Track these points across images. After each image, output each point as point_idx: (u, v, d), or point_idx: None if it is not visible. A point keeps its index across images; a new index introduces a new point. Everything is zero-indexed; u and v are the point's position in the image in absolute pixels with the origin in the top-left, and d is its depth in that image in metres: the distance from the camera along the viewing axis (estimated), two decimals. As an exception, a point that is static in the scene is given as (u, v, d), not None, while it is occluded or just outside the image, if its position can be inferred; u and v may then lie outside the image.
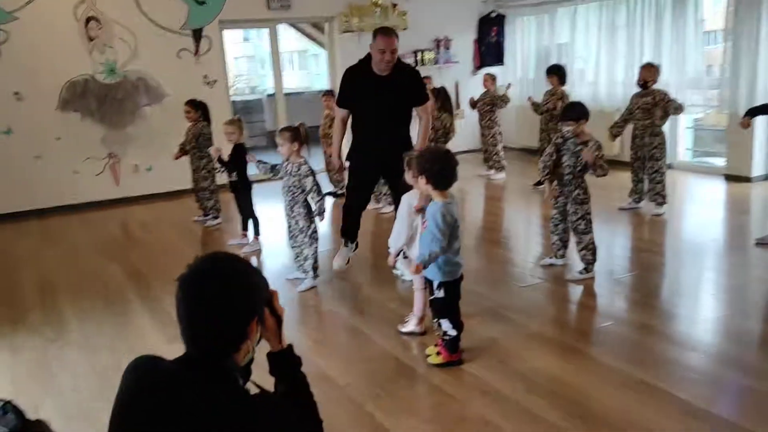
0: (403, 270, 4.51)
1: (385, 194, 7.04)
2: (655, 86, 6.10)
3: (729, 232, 5.91)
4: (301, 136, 4.64)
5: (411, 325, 3.92)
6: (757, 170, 7.25)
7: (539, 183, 7.49)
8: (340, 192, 7.94)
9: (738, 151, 7.31)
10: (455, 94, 9.76)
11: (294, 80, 22.42)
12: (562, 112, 4.65)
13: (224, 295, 1.52)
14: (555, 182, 4.68)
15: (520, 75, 9.98)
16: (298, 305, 4.59)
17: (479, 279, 4.76)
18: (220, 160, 5.82)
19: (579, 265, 4.70)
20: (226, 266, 1.59)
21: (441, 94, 7.30)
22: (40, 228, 7.39)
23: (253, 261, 5.75)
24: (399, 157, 3.89)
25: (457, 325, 3.47)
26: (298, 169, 4.62)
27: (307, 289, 4.80)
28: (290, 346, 1.78)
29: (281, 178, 4.80)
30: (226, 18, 8.72)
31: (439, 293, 3.41)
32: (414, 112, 4.72)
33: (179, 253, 6.15)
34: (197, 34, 8.63)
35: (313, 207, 4.67)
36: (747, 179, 7.22)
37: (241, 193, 5.98)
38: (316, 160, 8.14)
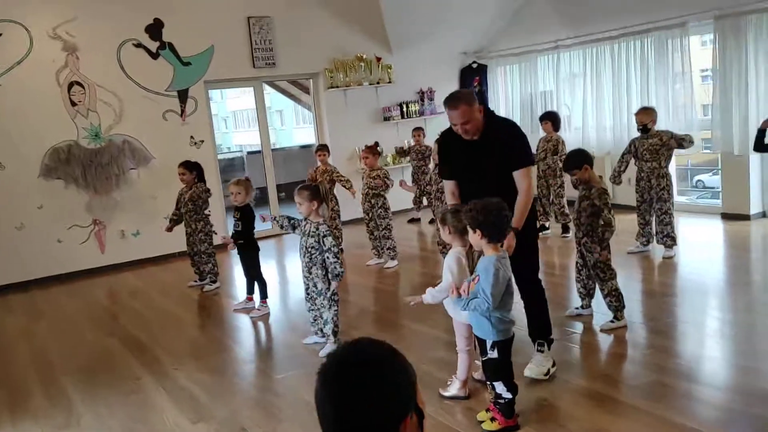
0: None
1: (388, 249, 6.88)
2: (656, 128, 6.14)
3: (746, 271, 5.87)
4: (321, 195, 4.49)
5: (454, 389, 3.71)
6: (754, 208, 7.31)
7: (543, 228, 7.42)
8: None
9: (734, 189, 7.38)
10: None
11: (255, 137, 22.42)
12: (564, 163, 4.59)
13: (378, 390, 1.32)
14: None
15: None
16: (323, 372, 4.34)
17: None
18: (235, 234, 5.64)
19: (608, 314, 4.58)
20: (375, 356, 1.39)
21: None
22: (25, 301, 7.01)
23: (260, 326, 5.49)
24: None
25: (512, 387, 3.28)
26: (317, 229, 4.45)
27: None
28: None
29: (297, 233, 4.62)
30: (211, 78, 8.63)
31: (493, 353, 3.23)
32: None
33: (180, 322, 5.88)
34: (183, 95, 8.50)
35: (329, 268, 4.47)
36: (746, 217, 7.26)
37: (247, 254, 5.75)
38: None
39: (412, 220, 9.22)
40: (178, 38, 8.34)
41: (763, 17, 6.67)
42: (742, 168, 7.21)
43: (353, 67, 9.40)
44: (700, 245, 6.66)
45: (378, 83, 9.61)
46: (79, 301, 6.83)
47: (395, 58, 9.74)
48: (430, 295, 3.64)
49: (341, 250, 7.49)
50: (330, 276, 4.49)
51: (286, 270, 7.62)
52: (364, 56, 9.45)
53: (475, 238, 3.19)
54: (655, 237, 6.29)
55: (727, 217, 7.43)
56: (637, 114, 6.18)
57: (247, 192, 5.73)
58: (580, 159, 4.50)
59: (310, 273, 4.54)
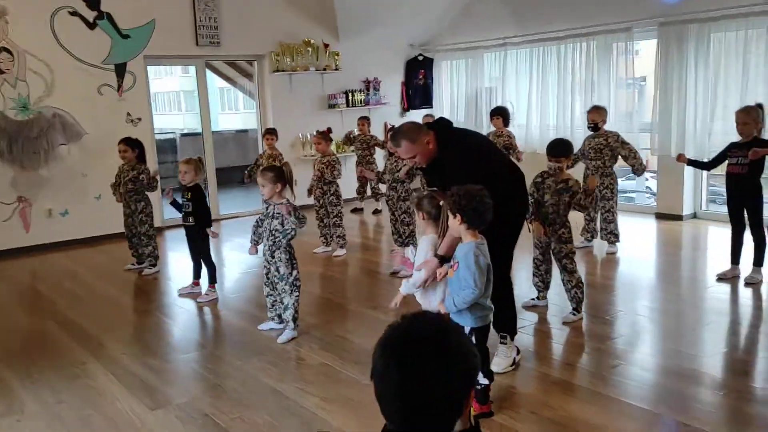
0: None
1: (337, 236, 6.78)
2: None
3: (684, 267, 6.16)
4: (285, 177, 4.35)
5: None
6: (687, 209, 7.67)
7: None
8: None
9: (669, 191, 7.72)
10: (385, 136, 9.72)
11: (178, 120, 21.65)
12: (550, 148, 4.62)
13: (447, 364, 1.28)
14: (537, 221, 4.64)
15: (448, 117, 10.10)
16: (284, 359, 4.22)
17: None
18: (174, 202, 5.38)
19: (567, 306, 4.67)
20: (441, 328, 1.34)
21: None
22: (-59, 282, 6.48)
23: (210, 312, 5.29)
24: None
25: (488, 373, 3.28)
26: (279, 210, 4.31)
27: (288, 340, 4.44)
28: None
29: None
30: (151, 53, 8.24)
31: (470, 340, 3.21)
32: None
33: (122, 306, 5.60)
34: (120, 70, 8.08)
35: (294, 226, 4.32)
36: (678, 217, 7.61)
37: (197, 237, 5.52)
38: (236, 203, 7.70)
39: (354, 210, 9.14)
40: (117, 9, 7.92)
41: (705, 26, 6.99)
42: (677, 171, 7.53)
43: (300, 51, 9.21)
44: (638, 243, 6.92)
45: (324, 70, 9.46)
46: (4, 284, 6.37)
47: (342, 45, 9.62)
48: (406, 288, 3.57)
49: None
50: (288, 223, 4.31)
51: (226, 254, 7.37)
52: (312, 41, 9.28)
53: (454, 223, 3.16)
54: (599, 233, 6.48)
55: (661, 216, 7.77)
56: (589, 112, 6.34)
57: (196, 171, 5.49)
58: (569, 148, 4.55)
59: (273, 257, 4.40)
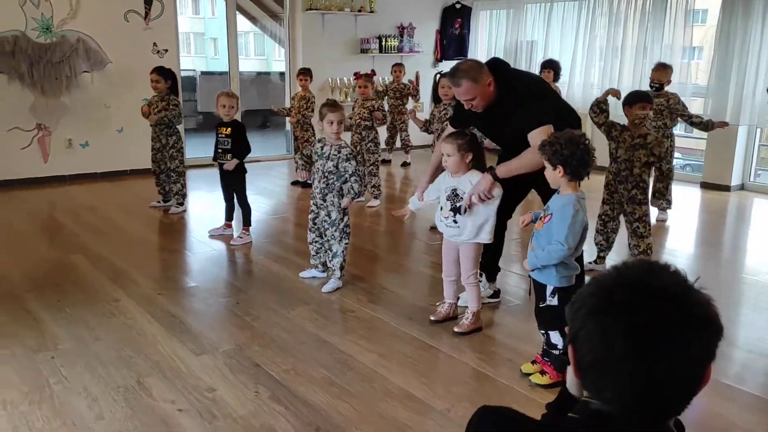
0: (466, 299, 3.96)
1: (372, 186, 6.46)
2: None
3: (747, 244, 5.88)
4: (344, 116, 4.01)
5: (469, 323, 3.57)
6: (735, 180, 7.35)
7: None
8: (309, 181, 7.25)
9: (717, 160, 7.38)
10: (414, 85, 9.31)
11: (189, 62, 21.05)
12: (628, 97, 4.28)
13: (697, 327, 0.99)
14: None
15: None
16: (332, 310, 3.96)
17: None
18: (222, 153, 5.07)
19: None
20: (680, 281, 1.04)
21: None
22: (-43, 208, 6.19)
23: (245, 256, 5.01)
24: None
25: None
26: (339, 152, 3.99)
27: (333, 290, 4.17)
28: None
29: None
30: (181, -19, 7.79)
31: (553, 300, 2.93)
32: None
33: (151, 245, 5.34)
34: (148, -4, 7.64)
35: (349, 189, 4.04)
36: (726, 188, 7.29)
37: (233, 176, 5.20)
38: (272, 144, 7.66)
39: (383, 161, 8.78)
40: (149, -70, 7.44)
41: (777, -14, 6.55)
42: (729, 139, 7.18)
43: (335, -11, 8.74)
44: (687, 213, 6.61)
45: (360, 11, 9.00)
46: (23, 213, 6.08)
47: (378, -15, 9.14)
48: (414, 204, 3.74)
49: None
50: (346, 193, 4.05)
51: (252, 199, 7.06)
52: (348, -21, 8.81)
53: (554, 174, 2.84)
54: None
55: (707, 186, 7.45)
56: (654, 70, 5.93)
57: (237, 106, 5.15)
58: (648, 96, 4.22)
59: (325, 200, 4.09)
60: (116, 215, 6.06)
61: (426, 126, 5.76)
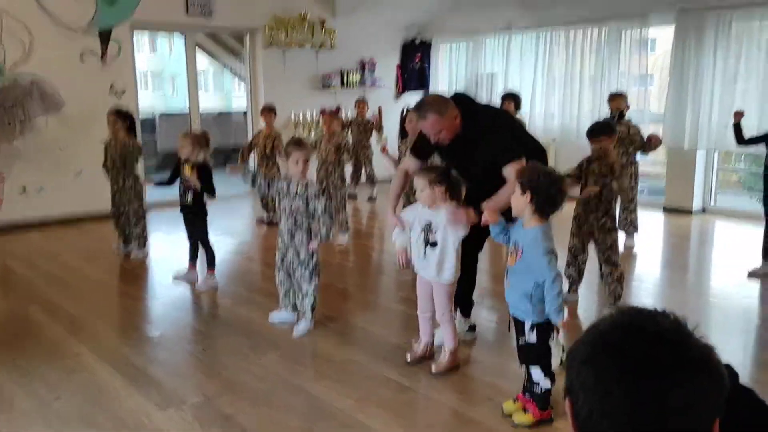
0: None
1: (341, 222, 6.37)
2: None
3: (714, 264, 5.95)
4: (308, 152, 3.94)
5: (447, 362, 3.47)
6: (696, 203, 7.46)
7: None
8: (276, 220, 7.14)
9: (678, 185, 7.50)
10: (378, 119, 9.31)
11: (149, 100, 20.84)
12: (589, 131, 4.33)
13: (698, 377, 0.93)
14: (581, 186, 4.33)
15: (445, 103, 9.75)
16: (305, 354, 3.83)
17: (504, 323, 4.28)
18: (188, 186, 4.91)
19: (595, 300, 4.39)
20: (677, 328, 0.99)
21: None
22: None
23: (211, 300, 4.85)
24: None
25: (551, 374, 2.94)
26: (306, 190, 3.90)
27: (304, 332, 4.04)
28: None
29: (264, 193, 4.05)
30: (139, 19, 7.68)
31: (532, 336, 2.87)
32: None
33: (113, 291, 5.14)
34: (105, 36, 7.51)
35: (321, 231, 3.95)
36: (688, 212, 7.40)
37: (196, 217, 5.06)
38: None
39: (349, 196, 8.71)
40: (104, -30, 7.34)
41: (726, 15, 6.75)
42: (688, 164, 7.32)
43: (295, 26, 8.73)
44: (653, 238, 6.68)
45: (320, 47, 9.01)
46: (-25, 262, 5.82)
47: (339, 22, 9.17)
48: (399, 240, 3.55)
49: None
50: (316, 235, 3.95)
51: (214, 239, 6.90)
52: (308, 16, 8.81)
53: (521, 200, 2.80)
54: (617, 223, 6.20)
55: (669, 210, 7.55)
56: (611, 100, 6.02)
57: (193, 146, 5.00)
58: (610, 127, 4.26)
59: (293, 239, 3.98)
60: (75, 262, 5.84)
61: (398, 163, 5.69)
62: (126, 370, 3.54)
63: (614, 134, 4.29)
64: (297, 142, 3.96)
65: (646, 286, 5.22)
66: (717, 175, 7.61)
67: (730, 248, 6.25)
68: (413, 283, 4.95)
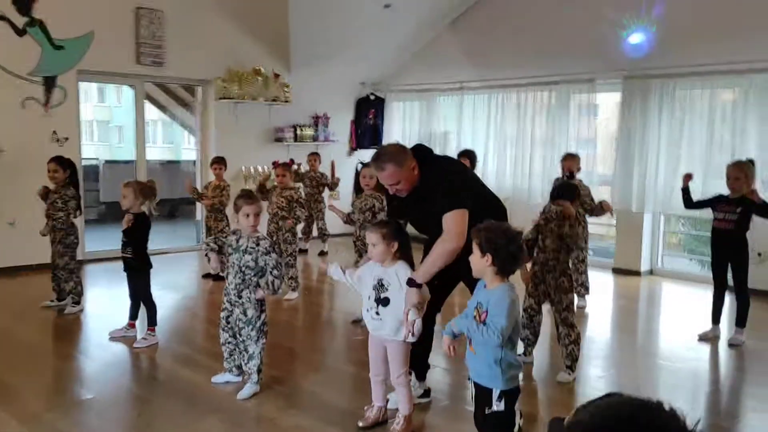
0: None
1: (290, 278, 6.17)
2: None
3: (664, 326, 5.96)
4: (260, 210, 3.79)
5: (402, 429, 3.29)
6: (644, 265, 7.56)
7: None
8: (222, 274, 6.87)
9: (627, 246, 7.60)
10: (331, 174, 9.24)
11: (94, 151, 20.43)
12: (553, 190, 4.35)
13: None
14: (531, 264, 4.29)
15: (398, 160, 9.76)
16: (249, 419, 3.58)
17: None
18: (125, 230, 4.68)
19: (547, 362, 4.30)
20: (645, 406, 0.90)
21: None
22: None
23: (150, 360, 4.55)
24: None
25: (513, 445, 2.79)
26: (257, 245, 3.73)
27: (250, 396, 3.80)
28: None
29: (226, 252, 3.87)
30: (86, 68, 7.49)
31: (499, 405, 2.72)
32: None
33: (43, 352, 4.79)
34: (50, 83, 7.27)
35: (267, 284, 3.77)
36: (636, 273, 7.48)
37: (137, 272, 4.80)
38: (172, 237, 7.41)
39: (300, 251, 8.52)
40: (52, 16, 7.16)
41: (670, 82, 7.00)
42: (636, 226, 7.44)
43: (248, 80, 8.67)
44: (602, 299, 6.68)
45: (273, 101, 8.94)
46: None
47: (293, 77, 9.15)
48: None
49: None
50: (264, 287, 3.76)
51: (157, 293, 6.60)
52: (262, 70, 8.77)
53: (481, 262, 2.70)
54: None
55: (618, 272, 7.62)
56: (564, 160, 6.12)
57: (135, 196, 4.79)
58: (573, 191, 4.26)
59: (240, 297, 3.79)
60: (2, 318, 5.45)
61: (348, 217, 5.58)
62: (52, 440, 3.24)
63: (576, 199, 4.29)
64: (247, 195, 3.82)
65: (599, 347, 5.17)
66: (664, 238, 7.75)
67: (679, 310, 6.31)
68: (365, 344, 4.82)
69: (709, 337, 5.12)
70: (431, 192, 3.33)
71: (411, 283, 3.16)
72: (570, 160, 6.08)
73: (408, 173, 3.29)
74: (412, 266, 3.24)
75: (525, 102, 8.25)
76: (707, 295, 5.27)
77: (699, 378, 4.56)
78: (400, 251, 3.21)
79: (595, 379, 4.36)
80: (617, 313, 6.46)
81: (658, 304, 6.89)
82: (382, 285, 3.21)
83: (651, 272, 7.63)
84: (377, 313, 3.23)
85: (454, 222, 3.24)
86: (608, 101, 7.86)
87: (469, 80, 8.76)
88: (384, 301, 3.20)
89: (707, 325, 5.21)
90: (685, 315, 5.97)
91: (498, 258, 2.66)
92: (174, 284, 6.69)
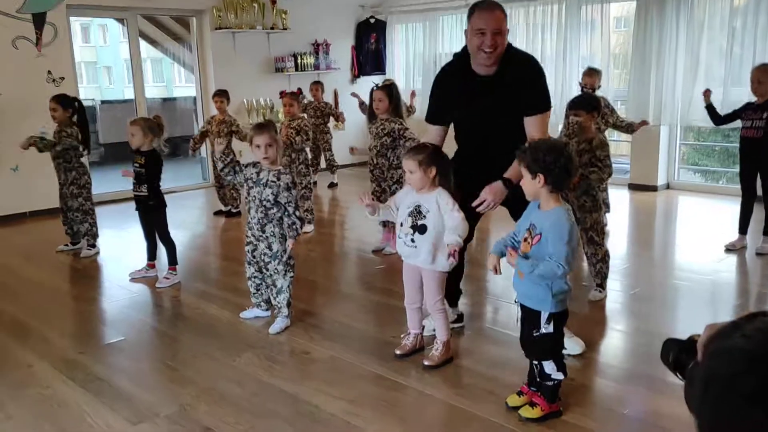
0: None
1: (305, 210, 6.05)
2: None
3: (690, 240, 5.89)
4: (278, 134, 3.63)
5: (440, 354, 3.25)
6: (661, 179, 7.44)
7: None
8: (234, 210, 6.77)
9: (643, 161, 7.46)
10: (334, 103, 9.00)
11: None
12: (571, 102, 4.16)
13: None
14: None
15: (403, 85, 9.48)
16: (283, 352, 3.54)
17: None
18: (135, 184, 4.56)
19: (587, 282, 4.23)
20: None
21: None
22: None
23: (174, 299, 4.49)
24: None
25: (563, 366, 2.74)
26: (277, 179, 3.59)
27: (281, 330, 3.75)
28: None
29: (242, 184, 3.73)
30: (76, 2, 7.14)
31: (548, 328, 2.65)
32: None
33: (62, 295, 4.72)
34: (39, 20, 6.96)
35: (286, 225, 3.67)
36: (653, 188, 7.37)
37: (152, 211, 4.68)
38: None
39: (308, 183, 8.38)
40: (35, -52, 6.78)
41: (687, -11, 6.70)
42: (652, 140, 7.28)
43: (245, 7, 8.31)
44: (621, 215, 6.60)
45: (272, 29, 8.60)
46: None
47: (291, 2, 8.77)
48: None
49: (239, 212, 6.62)
50: (287, 233, 3.68)
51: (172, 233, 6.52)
52: (259, -4, 8.40)
53: (533, 184, 2.58)
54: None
55: (634, 187, 7.51)
56: (586, 75, 5.89)
57: (144, 133, 4.62)
58: (593, 102, 4.09)
59: (264, 232, 3.67)
60: (17, 264, 5.37)
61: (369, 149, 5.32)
62: (87, 382, 3.19)
63: (594, 112, 4.09)
64: (258, 125, 3.66)
65: (624, 264, 5.10)
66: (679, 150, 7.60)
67: (701, 223, 6.22)
68: (388, 273, 4.76)
69: (737, 248, 5.06)
70: (520, 81, 3.06)
71: (507, 183, 3.02)
72: (591, 76, 5.86)
73: (506, 33, 3.03)
74: (451, 192, 3.10)
75: (534, 17, 7.93)
76: (726, 207, 5.18)
77: (728, 289, 4.52)
78: (439, 177, 3.07)
79: (626, 295, 4.31)
80: (638, 229, 6.39)
81: (679, 218, 6.81)
82: (420, 212, 3.09)
83: (668, 186, 7.51)
84: (412, 240, 3.12)
85: (544, 125, 3.10)
86: (622, 12, 7.53)
87: (474, -3, 8.39)
88: (421, 228, 3.08)
89: (732, 237, 5.15)
90: (707, 228, 5.89)
91: (551, 176, 2.53)
92: (185, 223, 6.59)
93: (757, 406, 0.70)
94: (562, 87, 7.57)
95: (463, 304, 3.88)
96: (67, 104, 5.38)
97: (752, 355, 0.74)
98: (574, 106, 4.12)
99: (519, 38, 8.11)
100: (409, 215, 3.12)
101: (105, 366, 3.40)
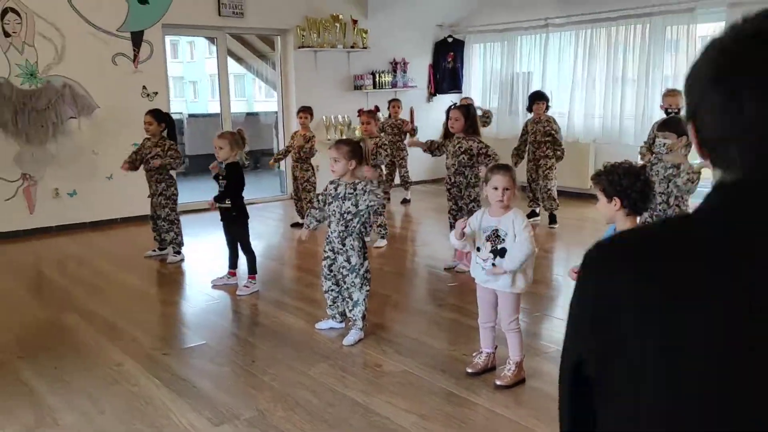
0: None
1: (379, 226, 6.17)
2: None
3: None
4: (363, 153, 3.75)
5: (512, 374, 3.25)
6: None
7: (533, 214, 6.92)
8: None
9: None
10: (410, 119, 9.10)
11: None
12: (665, 122, 4.11)
13: None
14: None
15: (479, 103, 9.51)
16: (356, 365, 3.63)
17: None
18: (219, 196, 4.79)
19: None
20: None
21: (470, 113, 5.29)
22: (-62, 266, 5.79)
23: (253, 307, 4.66)
24: None
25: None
26: (354, 190, 3.71)
27: (355, 342, 3.84)
28: None
29: (325, 203, 3.87)
30: (170, 22, 7.56)
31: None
32: None
33: (150, 299, 4.96)
34: (137, 38, 7.40)
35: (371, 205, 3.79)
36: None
37: (234, 221, 4.89)
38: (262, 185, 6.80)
39: (382, 199, 8.52)
40: (136, -29, 7.23)
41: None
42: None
43: (327, 27, 8.57)
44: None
45: (352, 48, 8.83)
46: (8, 269, 5.69)
47: (371, 22, 8.99)
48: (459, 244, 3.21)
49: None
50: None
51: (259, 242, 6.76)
52: (340, 17, 8.64)
53: (609, 207, 2.58)
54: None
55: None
56: (666, 96, 5.77)
57: (231, 147, 4.85)
58: (681, 126, 4.04)
59: (344, 245, 3.79)
60: (108, 267, 5.69)
61: (429, 144, 5.47)
62: (172, 382, 3.37)
63: (685, 137, 4.03)
64: (338, 143, 3.80)
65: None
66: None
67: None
68: (460, 290, 4.79)
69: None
70: None
71: None
72: (672, 96, 5.73)
73: None
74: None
75: (616, 38, 7.82)
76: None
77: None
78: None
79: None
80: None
81: None
82: (498, 235, 3.12)
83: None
84: (494, 265, 3.15)
85: None
86: (709, 31, 7.34)
87: (554, 17, 8.36)
88: (501, 252, 3.11)
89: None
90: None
91: (628, 200, 2.53)
92: (264, 234, 6.82)
93: (714, 83, 0.78)
94: (644, 108, 7.43)
95: (537, 326, 3.86)
96: (161, 119, 5.70)
97: (716, 49, 0.80)
98: (665, 127, 4.06)
99: (600, 59, 8.02)
100: (487, 240, 3.16)
101: (188, 367, 3.58)
